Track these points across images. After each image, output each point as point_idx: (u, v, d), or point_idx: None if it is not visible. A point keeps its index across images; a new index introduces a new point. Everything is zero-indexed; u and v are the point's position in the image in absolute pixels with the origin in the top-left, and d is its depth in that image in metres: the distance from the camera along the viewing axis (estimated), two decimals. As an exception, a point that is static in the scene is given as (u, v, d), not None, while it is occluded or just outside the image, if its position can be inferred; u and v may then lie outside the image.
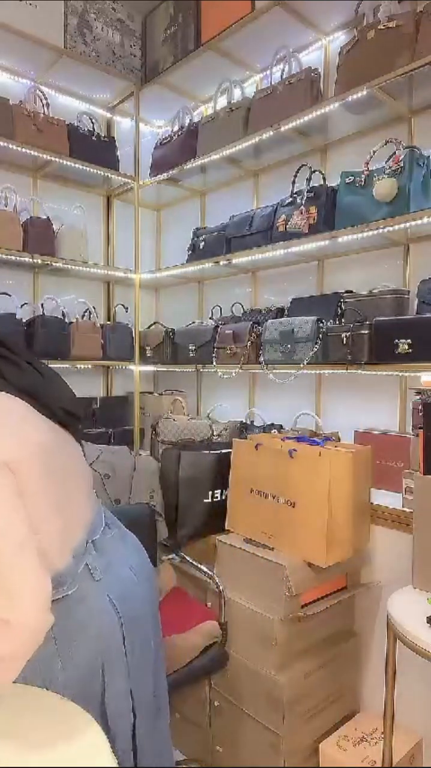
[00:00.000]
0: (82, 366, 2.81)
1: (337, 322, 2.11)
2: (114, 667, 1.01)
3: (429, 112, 2.04)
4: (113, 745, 0.91)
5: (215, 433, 2.41)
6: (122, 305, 3.10)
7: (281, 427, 2.38)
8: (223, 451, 2.04)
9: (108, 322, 2.99)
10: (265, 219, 2.33)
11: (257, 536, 1.81)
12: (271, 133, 2.23)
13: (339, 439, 2.08)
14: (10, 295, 2.52)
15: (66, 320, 2.65)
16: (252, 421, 2.59)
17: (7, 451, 0.87)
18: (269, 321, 2.29)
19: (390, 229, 1.88)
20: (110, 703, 1.00)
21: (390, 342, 1.84)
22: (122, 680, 1.02)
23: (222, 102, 2.55)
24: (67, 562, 0.97)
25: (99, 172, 2.72)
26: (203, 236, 2.68)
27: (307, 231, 2.12)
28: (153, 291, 3.35)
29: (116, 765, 0.78)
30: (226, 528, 1.94)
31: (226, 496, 1.98)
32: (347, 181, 2.01)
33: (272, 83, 2.31)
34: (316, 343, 2.07)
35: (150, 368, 2.99)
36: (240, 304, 2.71)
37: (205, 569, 1.89)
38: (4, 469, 0.85)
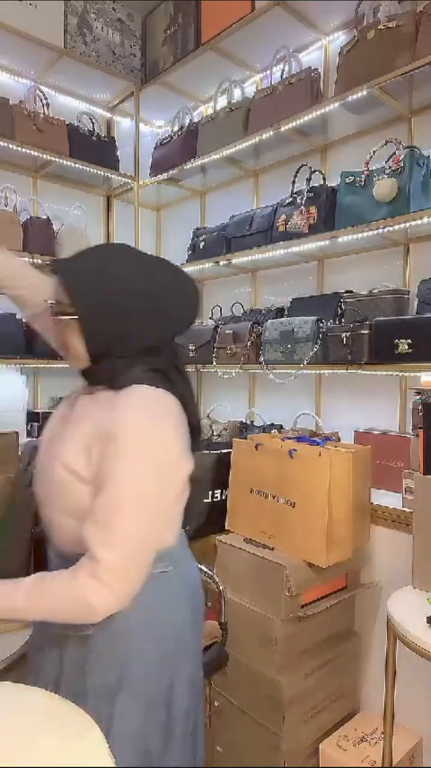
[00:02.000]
0: (83, 366, 2.81)
1: (337, 322, 2.11)
2: (190, 652, 1.07)
3: (429, 112, 2.04)
4: (174, 727, 1.02)
5: (215, 433, 2.41)
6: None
7: (281, 427, 2.38)
8: (223, 451, 2.03)
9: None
10: (265, 219, 2.33)
11: (257, 536, 1.81)
12: (271, 133, 2.23)
13: (339, 439, 2.08)
14: (10, 295, 2.51)
15: (66, 320, 2.65)
16: (252, 421, 2.59)
17: (184, 444, 0.99)
18: (269, 321, 2.29)
19: (390, 229, 1.88)
20: (178, 689, 1.04)
21: (390, 342, 1.84)
22: (193, 666, 1.08)
23: (222, 102, 2.55)
24: (176, 540, 1.05)
25: (99, 172, 2.72)
26: (203, 236, 2.68)
27: (307, 231, 2.12)
28: (153, 291, 3.35)
29: (114, 765, 0.78)
30: (226, 528, 1.94)
31: (226, 496, 1.98)
32: (347, 181, 2.01)
33: (272, 83, 2.31)
34: (316, 343, 2.07)
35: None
36: (240, 304, 2.71)
37: (205, 569, 1.89)
38: (183, 459, 0.98)
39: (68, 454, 0.95)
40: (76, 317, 0.96)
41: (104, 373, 0.99)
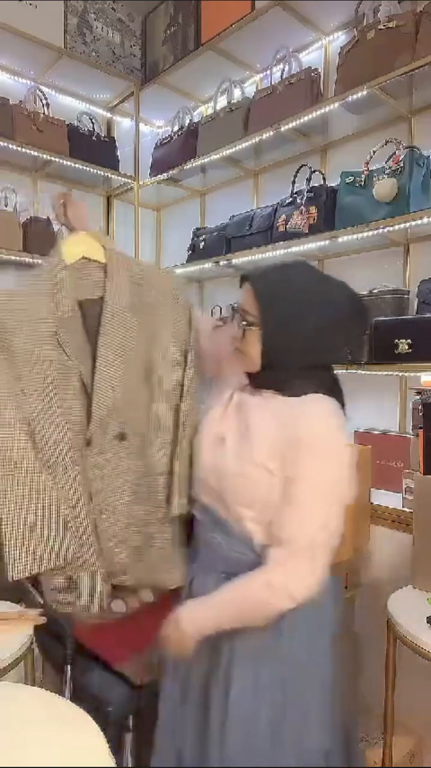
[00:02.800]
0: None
1: (337, 322, 2.10)
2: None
3: (429, 112, 2.04)
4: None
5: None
6: (122, 305, 3.10)
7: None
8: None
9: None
10: (265, 219, 2.33)
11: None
12: (271, 133, 2.23)
13: (339, 439, 2.08)
14: (10, 295, 2.51)
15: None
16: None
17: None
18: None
19: (390, 229, 1.88)
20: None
21: (390, 342, 1.84)
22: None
23: (222, 102, 2.55)
24: None
25: (99, 172, 2.72)
26: (203, 236, 2.68)
27: (307, 231, 2.11)
28: (153, 291, 3.35)
29: (114, 765, 0.78)
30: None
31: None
32: (347, 181, 2.01)
33: (272, 83, 2.31)
34: (316, 343, 2.06)
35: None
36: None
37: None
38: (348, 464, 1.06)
39: (259, 453, 1.05)
40: (261, 328, 1.05)
41: (278, 379, 1.09)
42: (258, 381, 1.13)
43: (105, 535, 1.22)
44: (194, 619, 1.06)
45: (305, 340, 1.05)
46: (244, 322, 1.08)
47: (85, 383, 1.21)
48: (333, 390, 1.11)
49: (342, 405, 1.11)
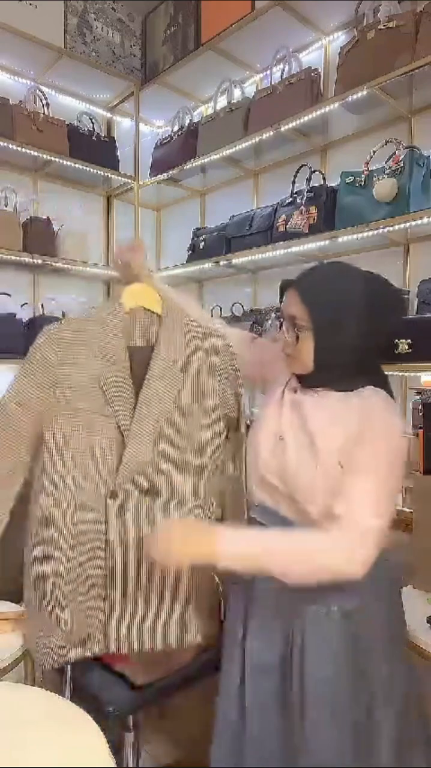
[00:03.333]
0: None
1: (337, 322, 2.10)
2: None
3: (429, 112, 2.04)
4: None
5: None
6: (122, 305, 3.10)
7: (281, 427, 2.38)
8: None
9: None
10: (265, 219, 2.33)
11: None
12: (271, 133, 2.23)
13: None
14: (10, 295, 2.51)
15: (66, 320, 2.65)
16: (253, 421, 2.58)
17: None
18: (270, 321, 2.28)
19: (390, 229, 1.88)
20: None
21: (390, 342, 1.83)
22: None
23: (222, 102, 2.55)
24: None
25: (99, 172, 2.72)
26: (203, 236, 2.68)
27: (307, 231, 2.11)
28: (153, 291, 3.35)
29: (113, 765, 0.78)
30: (226, 528, 1.94)
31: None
32: (347, 181, 2.01)
33: (272, 83, 2.31)
34: (316, 343, 2.06)
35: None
36: (240, 304, 2.70)
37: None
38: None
39: (327, 448, 1.09)
40: (313, 331, 1.10)
41: (331, 377, 1.14)
42: (311, 380, 1.17)
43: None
44: (226, 545, 1.05)
45: (356, 337, 1.10)
46: (295, 328, 1.12)
47: (123, 433, 1.20)
48: (384, 383, 1.17)
49: (391, 396, 1.16)
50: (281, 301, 1.21)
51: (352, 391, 1.13)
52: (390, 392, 1.16)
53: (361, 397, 1.12)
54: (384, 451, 1.07)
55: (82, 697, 1.24)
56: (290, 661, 1.11)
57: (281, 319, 1.17)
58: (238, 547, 1.05)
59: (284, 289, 1.18)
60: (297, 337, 1.13)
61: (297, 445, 1.13)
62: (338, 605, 1.10)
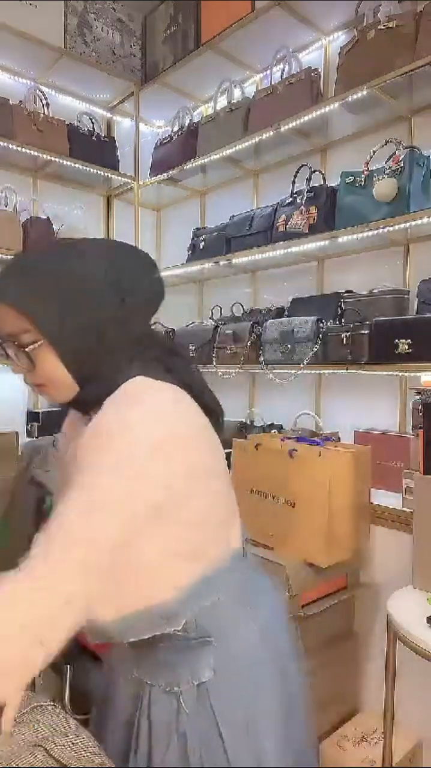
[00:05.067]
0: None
1: (337, 322, 2.11)
2: None
3: (429, 112, 2.04)
4: None
5: (215, 433, 2.40)
6: (122, 305, 3.10)
7: (281, 427, 2.38)
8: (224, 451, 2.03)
9: (108, 322, 2.98)
10: (265, 219, 2.33)
11: (257, 536, 1.81)
12: (271, 133, 2.23)
13: (339, 439, 2.08)
14: (10, 295, 2.51)
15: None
16: (252, 421, 2.59)
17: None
18: (269, 321, 2.28)
19: (390, 229, 1.88)
20: None
21: (390, 342, 1.84)
22: None
23: (222, 102, 2.55)
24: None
25: (99, 172, 2.72)
26: (203, 236, 2.68)
27: (307, 231, 2.12)
28: (153, 291, 3.35)
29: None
30: (226, 528, 1.94)
31: (226, 496, 1.97)
32: (347, 181, 2.01)
33: (272, 83, 2.31)
34: (316, 343, 2.07)
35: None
36: (240, 304, 2.71)
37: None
38: (181, 449, 0.82)
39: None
40: (48, 339, 0.82)
41: (100, 389, 0.84)
42: (82, 403, 0.90)
43: None
44: None
45: (103, 334, 0.84)
46: (23, 347, 0.82)
47: None
48: (165, 368, 0.89)
49: (189, 378, 0.92)
50: None
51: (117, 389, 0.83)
52: (179, 378, 0.88)
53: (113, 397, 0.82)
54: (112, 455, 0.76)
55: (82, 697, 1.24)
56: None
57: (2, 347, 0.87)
58: None
59: None
60: (30, 360, 0.83)
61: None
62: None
